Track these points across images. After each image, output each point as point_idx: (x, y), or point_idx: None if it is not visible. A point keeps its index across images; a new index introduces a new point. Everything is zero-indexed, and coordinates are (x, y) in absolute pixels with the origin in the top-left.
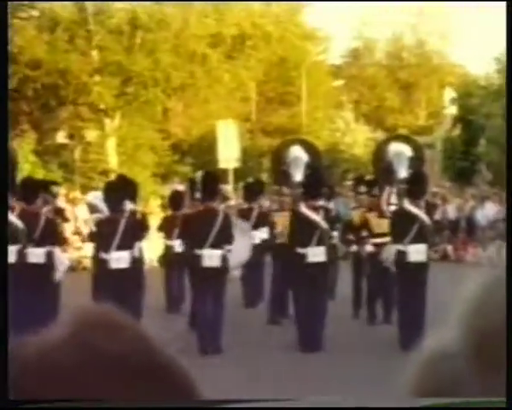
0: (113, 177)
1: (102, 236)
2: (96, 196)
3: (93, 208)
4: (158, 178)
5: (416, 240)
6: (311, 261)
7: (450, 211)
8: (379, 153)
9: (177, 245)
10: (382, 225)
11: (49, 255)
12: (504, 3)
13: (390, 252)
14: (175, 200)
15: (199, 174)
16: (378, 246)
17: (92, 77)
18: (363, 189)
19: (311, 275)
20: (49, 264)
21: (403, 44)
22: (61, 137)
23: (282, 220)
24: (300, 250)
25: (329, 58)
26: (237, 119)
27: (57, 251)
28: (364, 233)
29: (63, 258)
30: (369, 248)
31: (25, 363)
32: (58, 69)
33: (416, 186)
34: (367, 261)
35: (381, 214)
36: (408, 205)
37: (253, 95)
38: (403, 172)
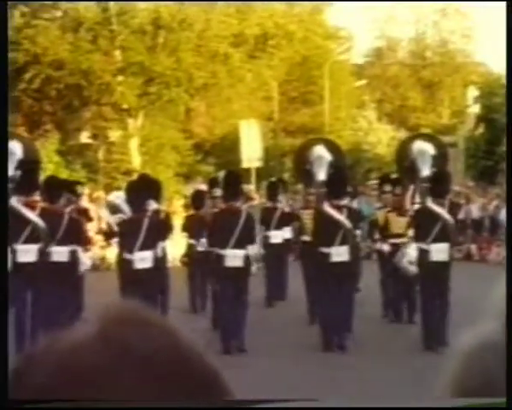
0: (135, 176)
1: (126, 236)
2: (118, 196)
3: (114, 209)
4: (181, 178)
5: (438, 239)
6: (334, 261)
7: (474, 210)
8: (402, 151)
9: (200, 244)
10: (400, 225)
11: (73, 254)
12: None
13: (404, 254)
14: (197, 199)
15: (221, 174)
16: (395, 246)
17: (115, 77)
18: (387, 188)
19: (336, 274)
20: (73, 262)
21: (426, 43)
22: (84, 137)
23: (307, 218)
24: (324, 250)
25: (352, 57)
26: (260, 118)
27: (79, 251)
28: (384, 233)
29: (84, 258)
30: (386, 247)
31: (56, 360)
32: (81, 69)
33: (439, 185)
34: (387, 261)
35: (402, 213)
36: (431, 204)
37: (275, 94)
38: (426, 171)
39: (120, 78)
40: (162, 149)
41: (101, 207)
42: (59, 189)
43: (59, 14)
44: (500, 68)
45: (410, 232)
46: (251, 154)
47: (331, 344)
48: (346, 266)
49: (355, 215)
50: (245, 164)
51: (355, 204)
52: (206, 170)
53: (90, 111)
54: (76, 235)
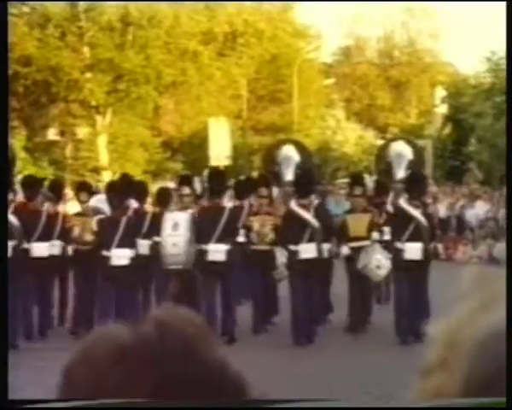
0: (104, 173)
1: (104, 234)
2: (98, 200)
3: (96, 212)
4: (149, 176)
5: (412, 239)
6: (303, 258)
7: (441, 210)
8: (380, 153)
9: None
10: (359, 228)
11: (53, 249)
12: (504, 3)
13: (367, 258)
14: (163, 197)
15: (205, 172)
16: (354, 250)
17: (83, 74)
18: (358, 191)
19: (304, 271)
20: (53, 257)
21: (394, 43)
22: (51, 134)
23: (259, 223)
24: (292, 247)
25: (321, 56)
26: (228, 116)
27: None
28: (342, 236)
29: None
30: (345, 250)
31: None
32: (49, 66)
33: (415, 187)
34: (345, 265)
35: (364, 214)
36: (404, 204)
37: (244, 92)
38: (401, 173)
39: (89, 74)
40: (130, 147)
41: (69, 205)
42: (37, 187)
43: (26, 9)
44: (467, 69)
45: (375, 235)
46: (219, 152)
47: (300, 338)
48: (313, 262)
49: (322, 214)
50: (213, 162)
51: (322, 202)
52: (174, 168)
53: (57, 108)
54: (54, 230)
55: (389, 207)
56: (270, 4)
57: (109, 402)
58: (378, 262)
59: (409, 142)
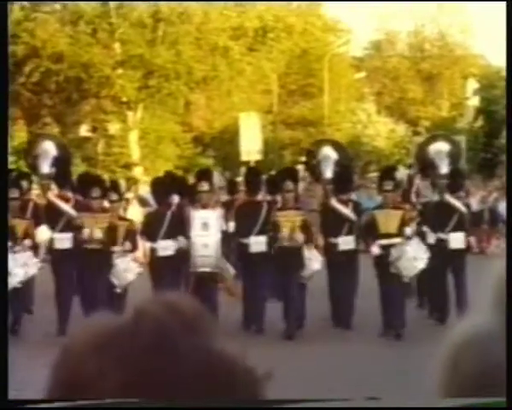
0: (136, 169)
1: (150, 226)
2: (148, 192)
3: (143, 202)
4: (180, 171)
5: (455, 229)
6: (342, 249)
7: (473, 203)
8: (420, 151)
9: None
10: (390, 224)
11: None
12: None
13: (401, 251)
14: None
15: (243, 169)
16: (385, 248)
17: (115, 70)
18: (388, 186)
19: (343, 262)
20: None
21: (424, 36)
22: (83, 131)
23: (284, 220)
24: (333, 240)
25: (351, 50)
26: (259, 111)
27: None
28: (371, 233)
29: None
30: (375, 250)
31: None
32: (81, 62)
33: (454, 181)
34: (375, 264)
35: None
36: (449, 197)
37: (274, 87)
38: (444, 168)
39: (120, 71)
40: (161, 142)
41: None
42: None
43: (58, 7)
44: (499, 61)
45: (408, 231)
46: (250, 147)
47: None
48: (352, 253)
49: (359, 209)
50: (244, 157)
51: (354, 197)
52: (205, 163)
53: (89, 104)
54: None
55: (432, 201)
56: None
57: (109, 402)
58: (415, 253)
59: (447, 138)
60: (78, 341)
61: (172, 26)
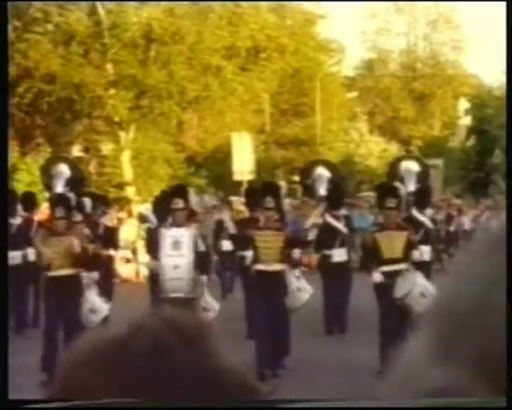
0: (129, 189)
1: (152, 243)
2: (146, 209)
3: (143, 219)
4: None
5: (422, 242)
6: (335, 261)
7: (466, 222)
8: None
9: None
10: (395, 248)
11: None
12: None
13: (409, 285)
14: None
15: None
16: (387, 275)
17: (107, 90)
18: (391, 203)
19: (335, 272)
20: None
21: (416, 55)
22: (76, 151)
23: (263, 239)
24: (327, 252)
25: (343, 70)
26: (251, 131)
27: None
28: (373, 258)
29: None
30: (377, 277)
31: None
32: (73, 83)
33: (422, 197)
34: (376, 293)
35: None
36: (415, 213)
37: (267, 107)
38: (411, 186)
39: (112, 91)
40: (154, 162)
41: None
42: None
43: (50, 27)
44: (491, 80)
45: (416, 255)
46: (243, 166)
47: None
48: (344, 265)
49: (351, 224)
50: (237, 176)
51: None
52: (198, 183)
53: (81, 124)
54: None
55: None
56: (292, 18)
57: (109, 402)
58: (423, 288)
59: (416, 158)
60: (75, 355)
61: (165, 46)
